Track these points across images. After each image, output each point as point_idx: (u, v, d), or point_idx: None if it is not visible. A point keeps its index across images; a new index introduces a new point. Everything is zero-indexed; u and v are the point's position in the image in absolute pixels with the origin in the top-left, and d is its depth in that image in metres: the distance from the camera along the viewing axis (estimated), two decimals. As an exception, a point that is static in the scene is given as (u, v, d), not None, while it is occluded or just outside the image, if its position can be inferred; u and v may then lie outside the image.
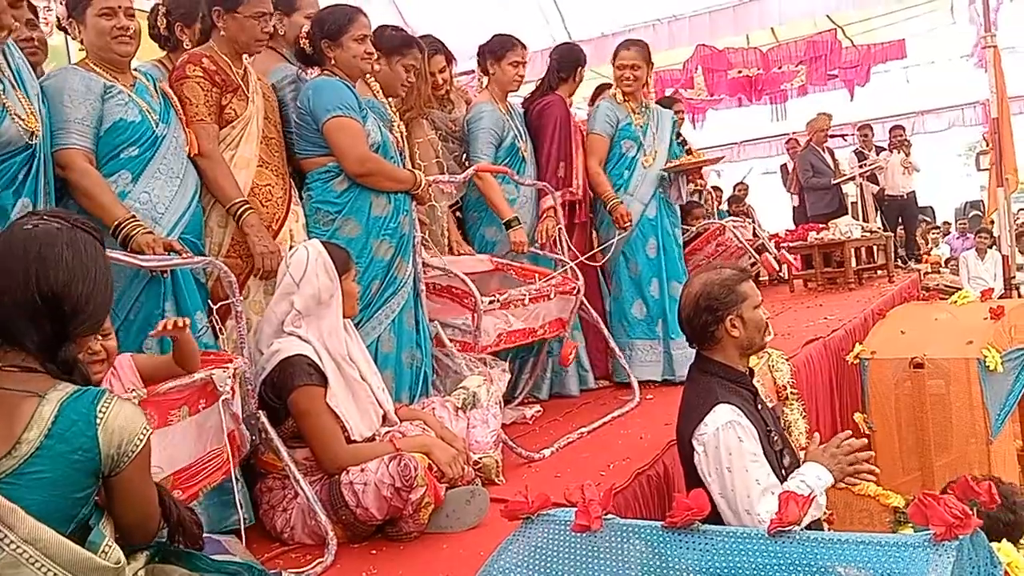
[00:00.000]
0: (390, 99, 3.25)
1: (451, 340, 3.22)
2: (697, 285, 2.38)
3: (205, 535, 1.65)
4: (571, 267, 3.72)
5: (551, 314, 3.61)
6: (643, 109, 4.28)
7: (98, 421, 1.38)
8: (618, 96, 4.29)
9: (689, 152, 6.06)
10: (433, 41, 3.86)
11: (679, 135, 5.96)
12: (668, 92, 8.49)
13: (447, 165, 3.79)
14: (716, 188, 8.89)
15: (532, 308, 3.46)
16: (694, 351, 2.46)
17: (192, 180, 2.57)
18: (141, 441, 1.42)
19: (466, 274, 3.24)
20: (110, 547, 1.38)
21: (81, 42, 2.50)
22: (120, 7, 2.40)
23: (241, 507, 2.20)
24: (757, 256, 5.85)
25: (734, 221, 6.00)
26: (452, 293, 3.32)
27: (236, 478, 2.21)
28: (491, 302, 3.20)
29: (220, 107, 2.72)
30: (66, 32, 2.57)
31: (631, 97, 4.25)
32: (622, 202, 4.11)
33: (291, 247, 2.68)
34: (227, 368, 2.04)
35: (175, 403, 1.90)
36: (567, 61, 4.23)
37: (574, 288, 3.66)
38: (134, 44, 2.46)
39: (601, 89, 5.21)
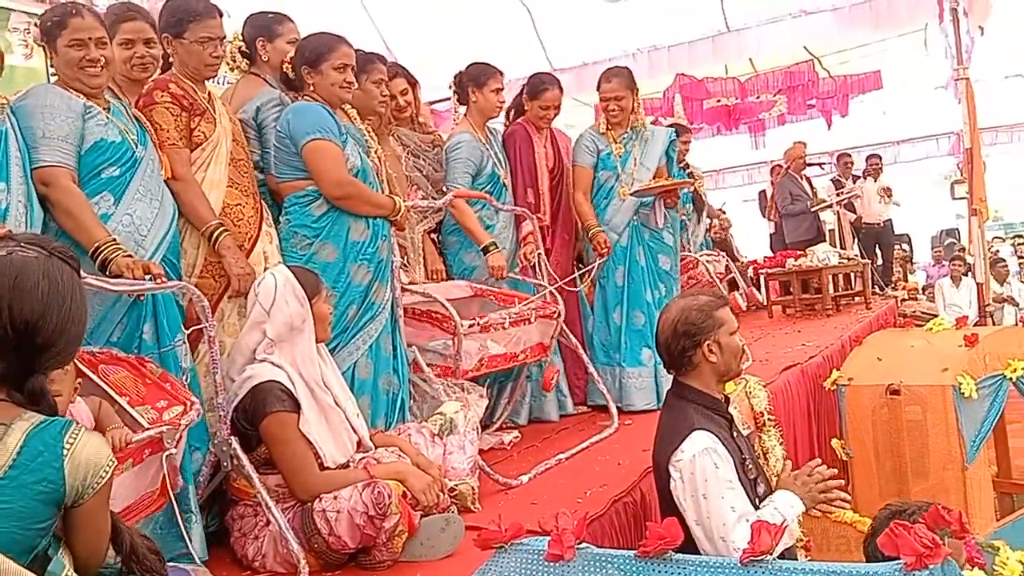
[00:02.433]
0: (368, 127, 3.26)
1: (430, 365, 3.20)
2: (675, 310, 2.39)
3: (171, 565, 1.62)
4: (551, 292, 3.73)
5: (532, 339, 3.60)
6: (626, 136, 4.29)
7: (65, 453, 1.34)
8: (601, 126, 4.32)
9: (691, 175, 6.12)
10: (392, 64, 3.90)
11: (686, 164, 6.00)
12: (648, 120, 8.58)
13: (412, 177, 3.80)
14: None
15: (513, 332, 3.45)
16: (671, 377, 2.47)
17: (170, 203, 2.57)
18: (106, 474, 1.39)
19: (446, 300, 3.24)
20: None
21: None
22: (91, 38, 2.37)
23: (191, 541, 2.16)
24: (726, 292, 5.89)
25: (708, 256, 6.06)
26: (432, 317, 3.32)
27: (187, 512, 2.17)
28: (471, 326, 3.19)
29: (189, 130, 2.72)
30: (46, 52, 2.57)
31: (615, 126, 4.28)
32: (602, 231, 4.14)
33: (266, 269, 2.67)
34: (179, 425, 2.02)
35: (123, 459, 1.87)
36: (526, 90, 4.21)
37: (555, 312, 3.66)
38: (104, 75, 2.43)
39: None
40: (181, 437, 2.05)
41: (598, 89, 4.30)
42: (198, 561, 2.14)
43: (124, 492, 1.93)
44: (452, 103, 4.17)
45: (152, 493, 2.05)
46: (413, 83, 3.93)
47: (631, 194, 4.19)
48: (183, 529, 2.12)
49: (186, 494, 2.27)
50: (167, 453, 1.99)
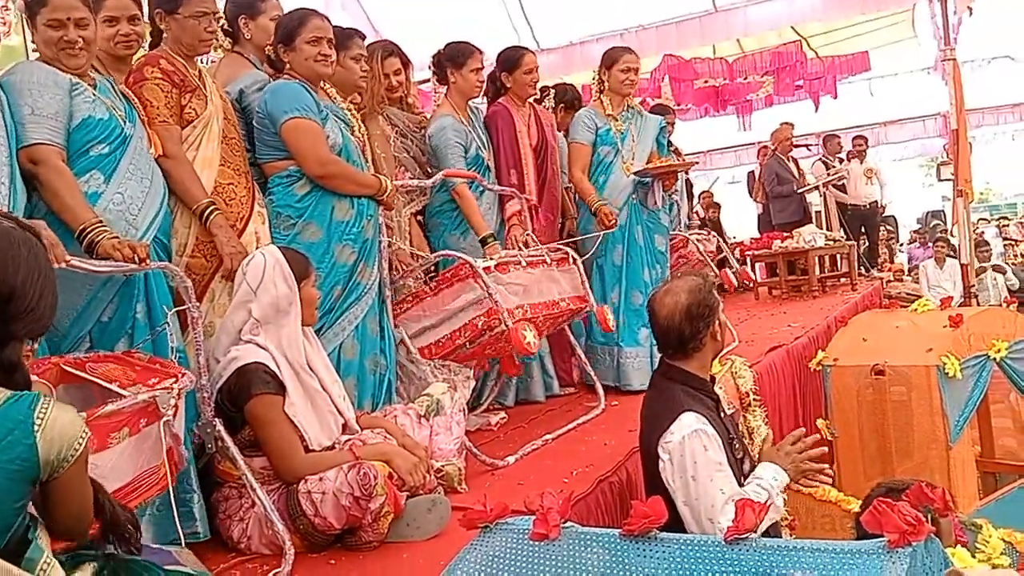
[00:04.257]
0: (351, 104, 3.22)
1: (471, 321, 3.17)
2: (683, 294, 2.34)
3: (155, 546, 1.61)
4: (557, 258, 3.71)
5: (566, 290, 3.57)
6: (625, 114, 4.28)
7: (36, 428, 1.31)
8: (604, 102, 4.29)
9: (677, 153, 6.11)
10: (387, 44, 3.84)
11: (670, 144, 6.00)
12: (636, 101, 8.55)
13: (400, 158, 3.77)
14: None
15: (539, 277, 3.42)
16: (659, 358, 2.47)
17: (160, 181, 2.53)
18: (80, 445, 1.37)
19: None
20: (49, 563, 1.32)
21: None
22: (70, 18, 2.31)
23: (182, 522, 2.09)
24: (717, 270, 5.88)
25: (698, 234, 6.04)
26: (448, 278, 3.28)
27: (188, 491, 2.15)
28: (485, 268, 3.16)
29: (180, 108, 2.68)
30: (24, 29, 2.53)
31: (615, 103, 4.26)
32: (607, 203, 4.12)
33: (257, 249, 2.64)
34: (172, 390, 1.98)
35: (117, 425, 1.83)
36: (501, 67, 4.16)
37: (568, 257, 3.67)
38: (84, 56, 2.37)
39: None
40: (178, 406, 2.01)
41: (614, 62, 4.23)
42: (186, 540, 2.12)
43: (124, 464, 1.88)
44: (432, 83, 4.12)
45: (156, 469, 1.99)
46: (406, 63, 3.88)
47: (634, 174, 4.17)
48: (175, 510, 2.07)
49: (187, 473, 2.26)
50: (164, 420, 1.94)
